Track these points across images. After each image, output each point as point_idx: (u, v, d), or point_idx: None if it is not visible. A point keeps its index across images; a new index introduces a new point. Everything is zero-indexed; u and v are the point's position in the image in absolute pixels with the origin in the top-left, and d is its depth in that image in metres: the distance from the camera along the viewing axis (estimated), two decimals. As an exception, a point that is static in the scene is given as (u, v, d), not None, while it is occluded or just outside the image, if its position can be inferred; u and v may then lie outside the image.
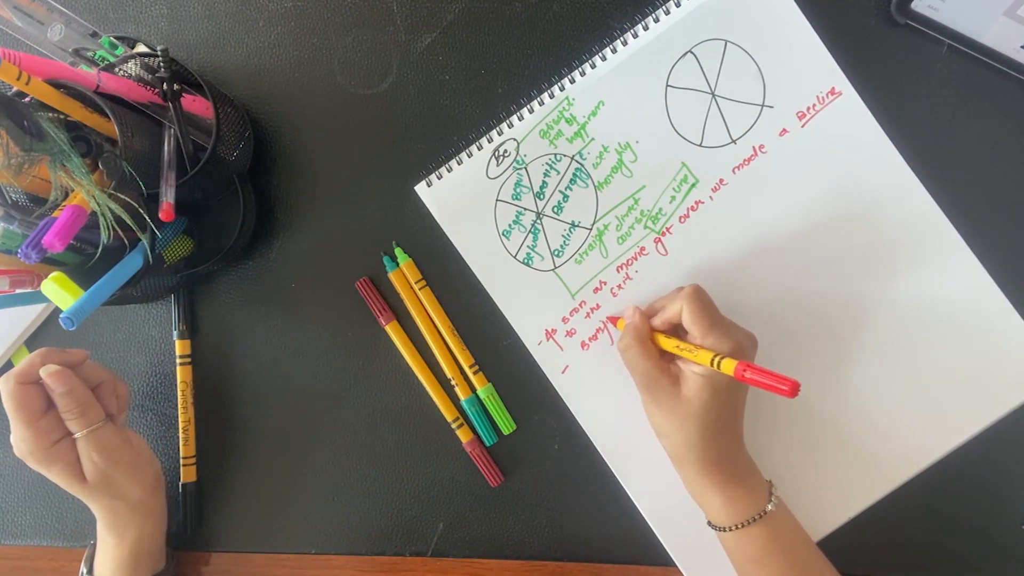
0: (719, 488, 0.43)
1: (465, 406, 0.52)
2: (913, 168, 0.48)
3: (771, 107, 0.49)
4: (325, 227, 0.54)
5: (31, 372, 0.44)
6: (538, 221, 0.51)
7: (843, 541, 0.48)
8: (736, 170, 0.49)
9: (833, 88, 0.48)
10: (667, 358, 0.44)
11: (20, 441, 0.44)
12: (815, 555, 0.44)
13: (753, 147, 0.49)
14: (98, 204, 0.40)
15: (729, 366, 0.38)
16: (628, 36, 0.49)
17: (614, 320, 0.50)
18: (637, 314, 0.46)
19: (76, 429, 0.45)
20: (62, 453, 0.45)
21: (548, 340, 0.51)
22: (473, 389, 0.52)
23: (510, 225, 0.51)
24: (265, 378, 0.55)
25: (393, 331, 0.53)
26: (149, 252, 0.46)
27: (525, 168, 0.50)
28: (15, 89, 0.40)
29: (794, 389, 0.35)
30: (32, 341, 0.57)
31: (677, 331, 0.45)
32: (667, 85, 0.49)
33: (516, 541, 0.52)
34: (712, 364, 0.39)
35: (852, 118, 0.48)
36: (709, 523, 0.45)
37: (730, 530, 0.43)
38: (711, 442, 0.42)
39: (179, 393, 0.54)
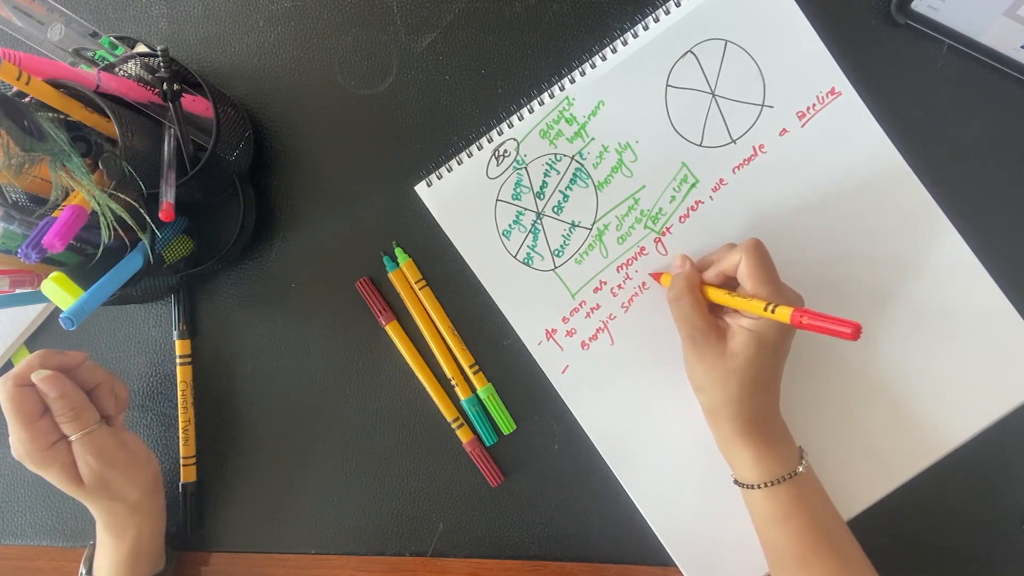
0: (751, 445, 0.43)
1: (465, 406, 0.52)
2: (913, 168, 0.48)
3: (771, 107, 0.49)
4: (325, 227, 0.54)
5: (29, 374, 0.44)
6: (538, 221, 0.51)
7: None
8: (736, 170, 0.49)
9: (833, 88, 0.48)
10: (715, 312, 0.44)
11: (18, 443, 0.44)
12: (839, 523, 0.43)
13: (753, 147, 0.49)
14: (98, 204, 0.40)
15: (784, 313, 0.37)
16: (628, 36, 0.49)
17: (657, 276, 0.49)
18: (688, 264, 0.46)
19: (70, 432, 0.45)
20: (59, 455, 0.45)
21: (548, 340, 0.51)
22: (473, 389, 0.52)
23: (510, 225, 0.51)
24: (265, 378, 0.55)
25: (393, 331, 0.53)
26: (149, 252, 0.46)
27: (525, 168, 0.50)
28: (15, 89, 0.40)
29: (856, 331, 0.32)
30: (32, 341, 0.57)
31: (726, 286, 0.45)
32: (667, 85, 0.49)
33: (516, 541, 0.52)
34: (765, 311, 0.39)
35: (852, 118, 0.48)
36: (735, 481, 0.45)
37: (756, 488, 0.43)
38: (749, 399, 0.42)
39: (179, 393, 0.54)
